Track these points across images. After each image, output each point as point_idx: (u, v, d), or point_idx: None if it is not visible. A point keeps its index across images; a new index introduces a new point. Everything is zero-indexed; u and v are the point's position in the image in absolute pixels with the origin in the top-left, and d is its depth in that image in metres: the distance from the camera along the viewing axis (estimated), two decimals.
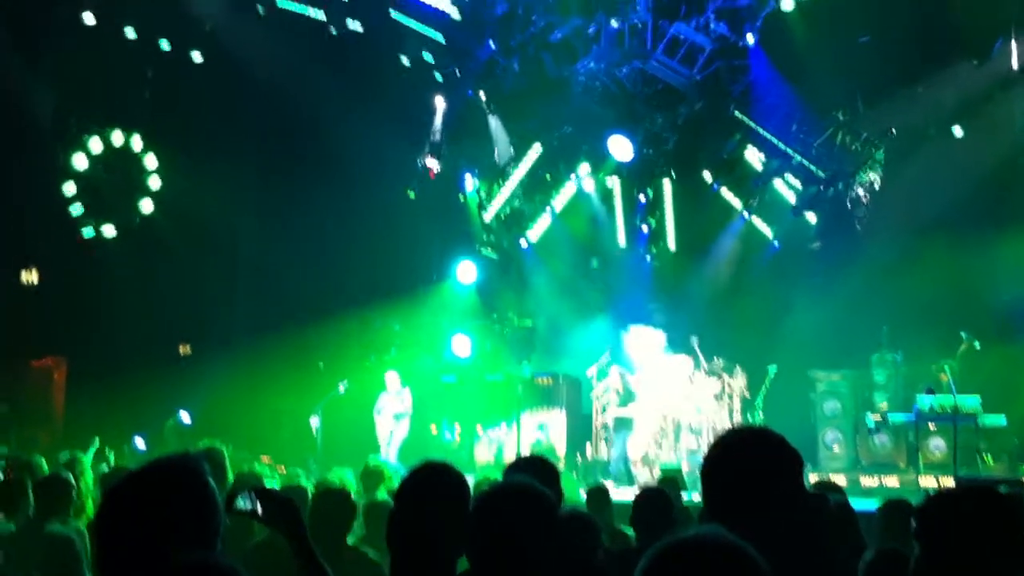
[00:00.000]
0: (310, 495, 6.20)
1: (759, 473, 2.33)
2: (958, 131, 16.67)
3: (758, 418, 15.17)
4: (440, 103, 18.01)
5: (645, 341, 15.85)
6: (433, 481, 2.98)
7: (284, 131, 17.09)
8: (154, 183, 17.18)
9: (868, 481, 14.07)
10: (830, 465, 15.08)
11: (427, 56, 17.05)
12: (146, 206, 17.06)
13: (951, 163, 16.36)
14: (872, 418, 13.52)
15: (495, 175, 18.08)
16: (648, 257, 18.59)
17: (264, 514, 3.02)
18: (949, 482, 11.08)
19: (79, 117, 16.59)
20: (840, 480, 14.13)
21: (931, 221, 15.70)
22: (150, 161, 17.15)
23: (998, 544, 2.44)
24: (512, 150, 18.09)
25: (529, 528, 2.59)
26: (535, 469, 3.88)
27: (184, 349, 17.95)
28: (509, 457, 15.37)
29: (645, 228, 18.34)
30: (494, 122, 18.18)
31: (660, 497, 5.85)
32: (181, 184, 16.65)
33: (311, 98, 16.47)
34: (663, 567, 1.75)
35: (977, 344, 14.24)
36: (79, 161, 16.44)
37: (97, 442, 10.19)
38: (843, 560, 4.68)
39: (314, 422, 14.10)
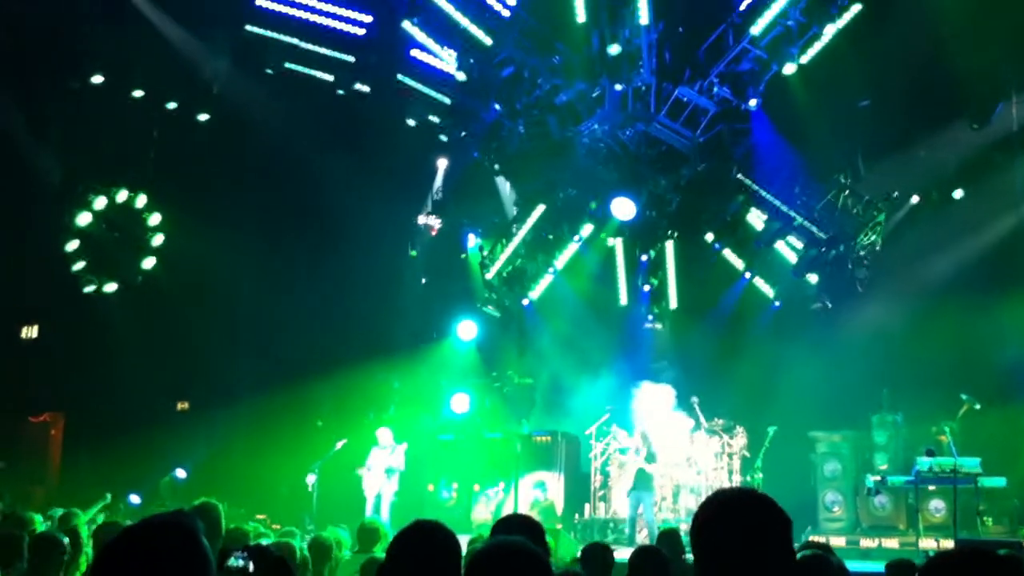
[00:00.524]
0: (299, 553, 6.19)
1: (748, 533, 2.32)
2: (959, 194, 16.79)
3: (757, 479, 15.07)
4: (442, 163, 18.18)
5: (655, 398, 15.81)
6: (424, 540, 2.95)
7: (287, 190, 17.26)
8: (157, 241, 17.28)
9: (868, 543, 13.96)
10: (830, 527, 14.96)
11: (432, 118, 17.24)
12: (148, 263, 17.15)
13: (952, 226, 16.47)
14: (872, 479, 13.42)
15: (498, 234, 18.16)
16: (650, 317, 18.60)
17: (256, 573, 3.03)
18: (949, 544, 11.00)
19: (85, 176, 16.76)
20: (840, 542, 14.11)
21: (932, 283, 15.79)
22: (154, 219, 17.27)
23: None
24: (515, 209, 18.20)
25: None
26: (522, 528, 3.87)
27: (182, 406, 17.95)
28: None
29: (647, 288, 18.37)
30: (501, 181, 18.34)
31: (656, 555, 5.80)
32: (184, 242, 16.77)
33: (315, 158, 16.65)
34: None
35: (978, 405, 14.18)
36: (83, 219, 16.57)
37: (108, 498, 10.20)
38: None
39: (311, 480, 14.02)
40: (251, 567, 3.04)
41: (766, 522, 2.34)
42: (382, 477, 14.54)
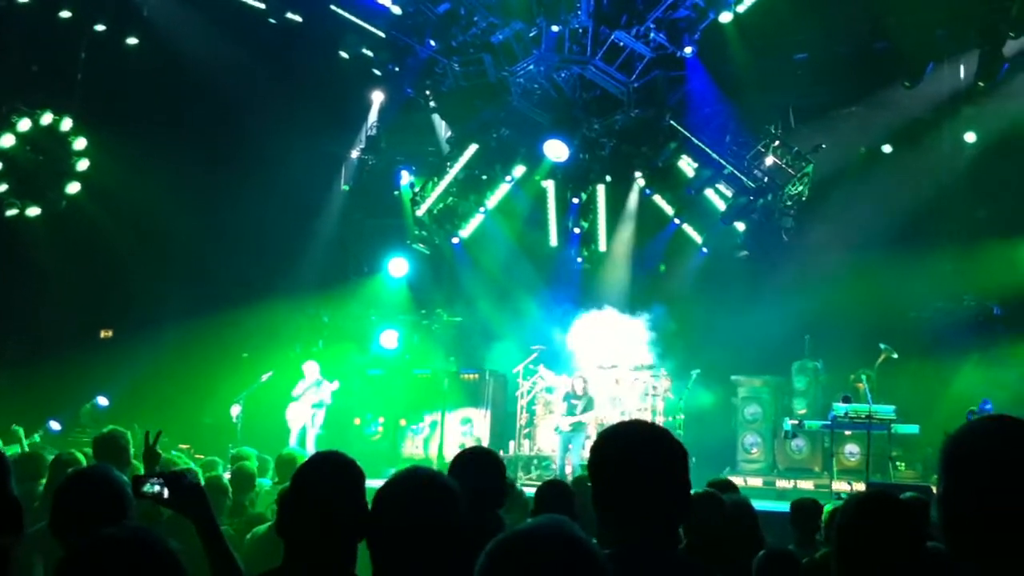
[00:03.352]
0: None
1: (640, 465, 2.37)
2: (887, 148, 17.10)
3: (679, 420, 15.38)
4: (377, 98, 17.99)
5: (597, 329, 16.04)
6: (327, 469, 2.96)
7: (218, 119, 16.91)
8: (82, 166, 16.85)
9: (784, 484, 14.37)
10: (748, 468, 15.36)
11: (366, 51, 17.01)
12: (73, 188, 16.72)
13: (879, 181, 16.79)
14: (790, 423, 13.77)
15: (431, 172, 18.09)
16: (579, 259, 18.74)
17: (172, 498, 3.04)
18: (861, 487, 11.33)
19: (8, 98, 16.24)
20: (757, 482, 14.51)
21: (856, 236, 16.10)
22: (79, 143, 16.81)
23: (894, 546, 2.53)
24: (449, 148, 18.14)
25: (427, 515, 2.59)
26: (480, 461, 3.91)
27: (106, 333, 17.66)
28: (434, 451, 15.41)
29: (577, 230, 18.49)
30: (437, 119, 18.24)
31: (561, 488, 5.83)
32: (111, 168, 16.36)
33: (247, 87, 16.34)
34: (498, 558, 1.76)
35: (895, 355, 14.58)
36: (6, 140, 16.06)
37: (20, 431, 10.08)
38: (738, 556, 4.79)
39: (235, 411, 13.96)
40: (166, 493, 3.05)
41: (659, 453, 2.39)
42: (307, 410, 14.54)
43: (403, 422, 16.35)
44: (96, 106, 16.51)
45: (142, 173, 15.90)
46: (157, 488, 3.05)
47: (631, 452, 2.40)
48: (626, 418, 15.12)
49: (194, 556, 2.98)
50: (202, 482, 6.10)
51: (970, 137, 16.64)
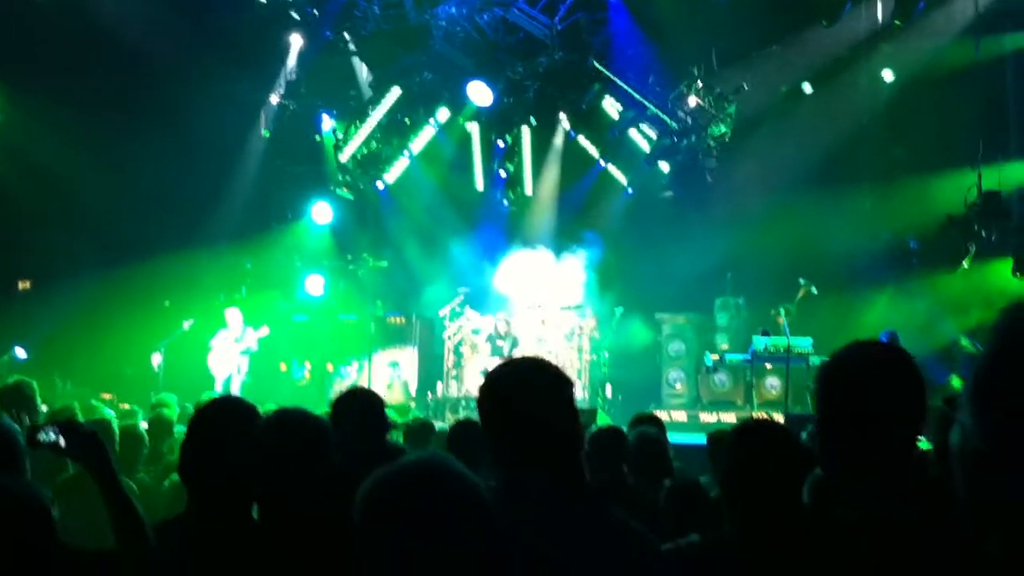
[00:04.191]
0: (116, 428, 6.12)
1: (521, 395, 2.40)
2: (807, 88, 17.27)
3: (604, 358, 15.57)
4: (296, 42, 17.71)
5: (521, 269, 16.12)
6: (219, 414, 2.99)
7: (131, 65, 16.47)
8: None
9: (707, 417, 14.61)
10: (672, 402, 15.65)
11: None
12: None
13: (799, 121, 16.99)
14: (711, 357, 14.00)
15: (353, 116, 17.90)
16: (505, 202, 18.76)
17: (67, 447, 3.00)
18: (780, 418, 11.58)
19: None
20: (681, 416, 14.76)
21: (777, 175, 16.31)
22: None
23: (780, 471, 2.59)
24: (371, 92, 17.94)
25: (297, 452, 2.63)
26: (359, 400, 3.91)
27: (23, 284, 17.29)
28: None
29: (503, 173, 18.48)
30: (358, 62, 18.01)
31: (473, 426, 5.88)
32: (19, 118, 15.94)
33: (160, 34, 15.94)
34: (370, 491, 1.78)
35: (815, 290, 14.86)
36: None
37: None
38: (647, 488, 4.86)
39: (156, 359, 13.80)
40: (62, 441, 3.02)
41: (545, 385, 2.42)
42: (233, 358, 14.43)
43: (330, 367, 16.32)
44: (2, 56, 16.00)
45: (54, 124, 15.46)
46: (53, 436, 3.01)
47: (510, 389, 2.43)
48: (552, 357, 15.42)
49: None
50: (117, 431, 6.08)
51: (888, 75, 16.86)
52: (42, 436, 2.97)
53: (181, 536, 2.84)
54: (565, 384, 2.46)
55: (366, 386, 14.92)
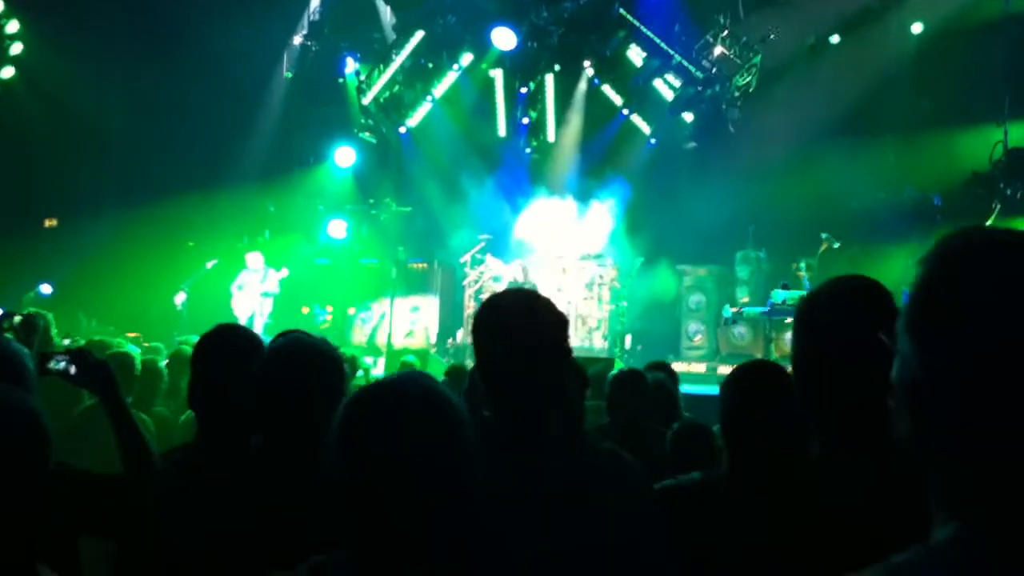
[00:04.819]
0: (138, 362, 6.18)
1: (510, 331, 2.38)
2: (835, 39, 17.10)
3: (623, 308, 15.61)
4: None
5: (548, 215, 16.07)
6: (218, 343, 3.02)
7: (153, 5, 16.40)
8: (16, 50, 16.36)
9: (725, 369, 14.60)
10: (691, 354, 15.70)
11: None
12: (7, 73, 16.26)
13: (825, 72, 16.84)
14: (730, 310, 14.02)
15: (376, 59, 17.79)
16: (528, 149, 18.70)
17: (77, 375, 3.06)
18: None
19: None
20: (700, 368, 14.83)
21: (801, 128, 16.17)
22: (12, 27, 16.29)
23: (773, 411, 2.60)
24: (395, 34, 17.83)
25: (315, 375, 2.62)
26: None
27: (50, 222, 17.37)
28: (382, 339, 15.52)
29: (526, 120, 18.40)
30: (381, 4, 17.87)
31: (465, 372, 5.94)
32: (45, 54, 15.90)
33: None
34: (353, 404, 1.81)
35: (836, 244, 14.83)
36: None
37: None
38: (657, 429, 4.91)
39: (179, 299, 13.89)
40: (72, 369, 3.07)
41: (537, 323, 2.39)
42: (255, 300, 14.51)
43: (352, 311, 16.41)
44: None
45: (78, 60, 15.46)
46: (63, 364, 3.08)
47: (503, 318, 2.41)
48: (572, 307, 15.48)
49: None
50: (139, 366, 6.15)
51: (916, 28, 16.69)
52: (52, 364, 3.05)
53: (185, 461, 2.90)
54: (552, 316, 2.42)
55: (388, 330, 15.10)
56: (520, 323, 2.36)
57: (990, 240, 1.20)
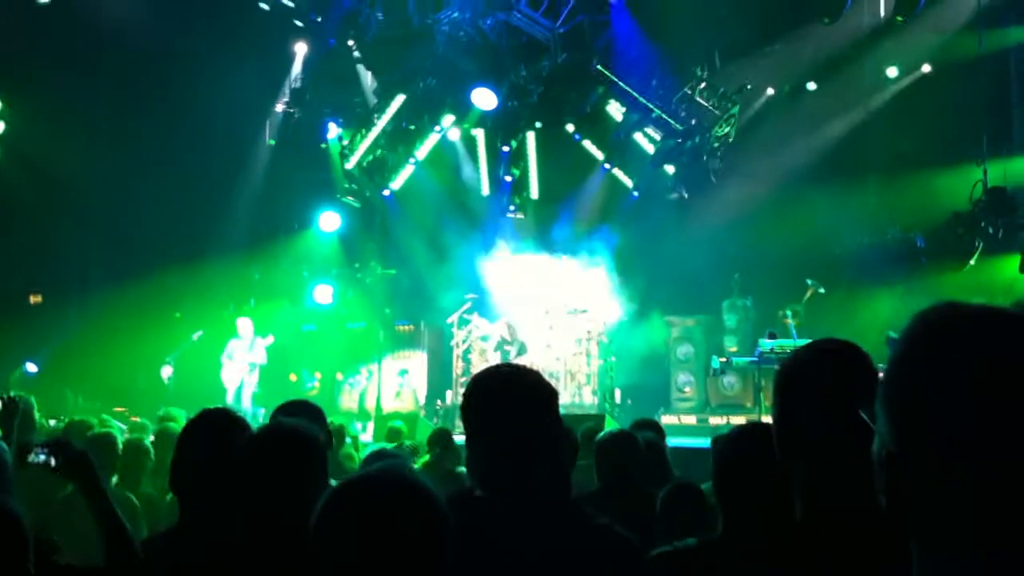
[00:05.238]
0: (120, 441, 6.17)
1: (499, 407, 2.40)
2: (811, 86, 17.29)
3: (611, 363, 15.58)
4: (301, 49, 17.77)
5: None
6: (203, 427, 3.04)
7: (137, 75, 16.55)
8: None
9: (716, 420, 14.62)
10: (681, 406, 15.66)
11: (287, 1, 16.72)
12: None
13: (803, 119, 17.00)
14: (719, 360, 14.03)
15: (359, 123, 17.93)
16: (512, 207, 18.78)
17: (58, 466, 3.06)
18: None
19: None
20: (691, 420, 14.78)
21: (782, 174, 16.33)
22: None
23: (767, 475, 2.60)
24: (376, 99, 17.98)
25: (298, 464, 2.61)
26: (302, 411, 3.88)
27: (35, 299, 17.36)
28: (370, 403, 15.47)
29: (509, 178, 18.51)
30: (362, 69, 18.05)
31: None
32: (28, 127, 15.99)
33: (165, 41, 16.00)
34: (337, 502, 1.81)
35: (822, 290, 14.86)
36: None
37: None
38: (648, 491, 4.87)
39: (166, 372, 13.88)
40: (52, 462, 3.07)
41: (524, 394, 2.41)
42: (243, 368, 14.48)
43: (340, 376, 16.38)
44: (10, 64, 16.04)
45: (60, 134, 15.53)
46: (43, 457, 3.07)
47: (492, 395, 2.43)
48: (560, 363, 15.46)
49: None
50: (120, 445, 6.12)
51: (892, 71, 16.88)
52: (32, 457, 3.04)
53: (167, 549, 2.89)
54: (545, 392, 2.44)
55: (376, 393, 15.06)
56: (508, 400, 2.38)
57: (965, 317, 1.22)
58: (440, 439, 7.51)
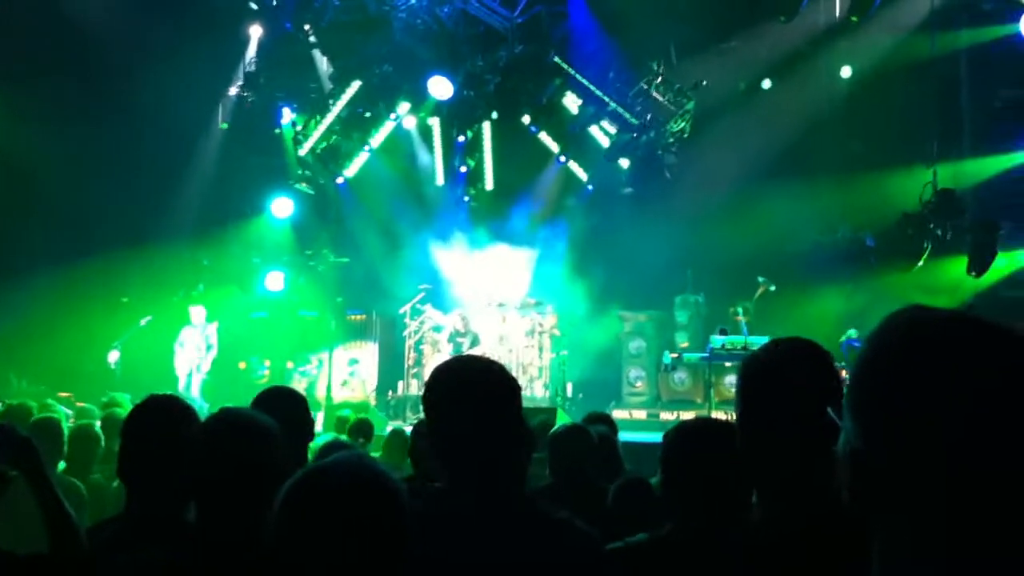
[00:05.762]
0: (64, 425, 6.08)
1: (475, 399, 2.38)
2: (767, 83, 17.40)
3: (563, 356, 15.62)
4: (255, 32, 17.54)
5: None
6: (148, 414, 3.02)
7: (86, 56, 16.20)
8: None
9: (667, 415, 14.67)
10: (632, 401, 15.72)
11: None
12: None
13: (758, 116, 17.10)
14: (670, 356, 14.12)
15: (313, 109, 17.76)
16: (466, 197, 18.73)
17: (0, 452, 3.01)
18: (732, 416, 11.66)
19: None
20: (641, 415, 14.85)
21: (736, 171, 16.41)
22: None
23: (715, 468, 2.60)
24: (331, 84, 17.81)
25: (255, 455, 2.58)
26: (283, 399, 3.84)
27: None
28: (321, 393, 15.36)
29: (464, 168, 18.45)
30: (318, 54, 17.87)
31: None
32: None
33: (117, 23, 15.71)
34: (293, 492, 1.81)
35: (773, 287, 14.99)
36: None
37: None
38: (599, 485, 4.88)
39: (113, 357, 13.68)
40: None
41: (492, 394, 2.39)
42: (194, 355, 14.32)
43: (290, 364, 16.24)
44: None
45: (6, 115, 15.21)
46: None
47: (459, 387, 2.41)
48: (513, 355, 15.47)
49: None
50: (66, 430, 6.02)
51: (846, 71, 17.04)
52: None
53: (113, 537, 2.86)
54: (511, 386, 2.43)
55: (326, 383, 14.96)
56: (473, 394, 2.36)
57: (926, 321, 1.26)
58: (361, 430, 7.52)
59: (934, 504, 1.18)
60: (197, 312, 14.46)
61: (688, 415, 14.41)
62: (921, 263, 14.66)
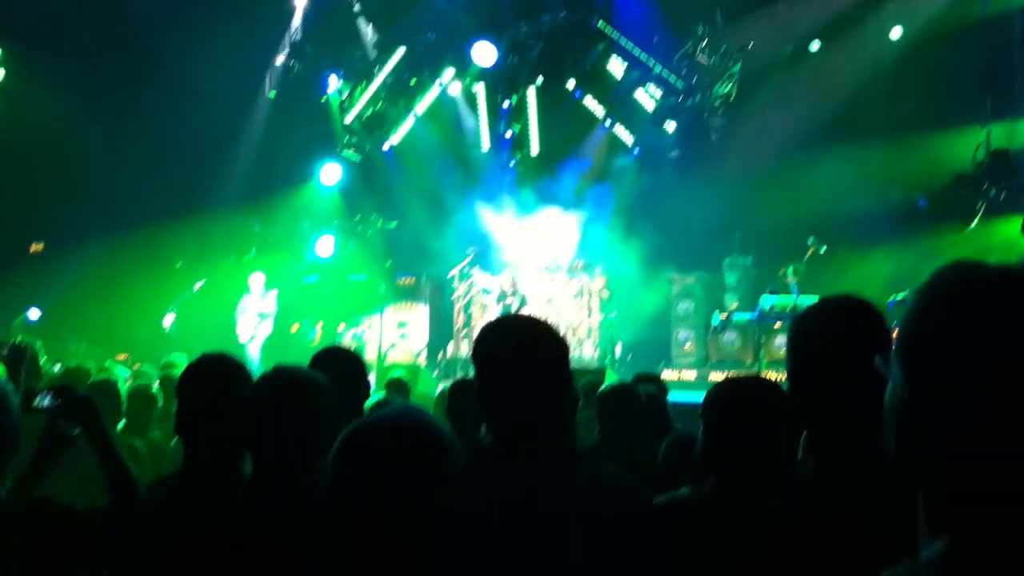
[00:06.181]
0: (123, 389, 6.16)
1: (510, 356, 2.39)
2: (815, 46, 17.20)
3: (611, 318, 15.64)
4: (300, 1, 17.63)
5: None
6: (201, 372, 3.03)
7: (133, 30, 16.38)
8: None
9: (716, 376, 14.62)
10: (682, 362, 15.71)
11: None
12: None
13: (806, 79, 16.92)
14: (719, 316, 14.09)
15: (358, 77, 17.83)
16: (511, 163, 18.75)
17: (63, 410, 3.09)
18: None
19: None
20: (691, 375, 14.85)
21: (784, 134, 16.25)
22: None
23: (762, 426, 2.62)
24: (376, 52, 17.88)
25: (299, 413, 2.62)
26: (339, 360, 3.87)
27: (36, 247, 17.30)
28: (371, 355, 15.49)
29: (508, 134, 18.46)
30: (363, 22, 17.92)
31: (470, 387, 5.90)
32: (26, 82, 15.88)
33: None
34: (346, 442, 1.84)
35: (823, 248, 14.89)
36: None
37: None
38: (648, 442, 4.90)
39: (168, 320, 13.87)
40: (57, 406, 3.11)
41: (541, 351, 2.40)
42: (255, 321, 14.46)
43: (341, 327, 16.37)
44: (8, 19, 15.88)
45: (59, 86, 15.41)
46: (47, 401, 3.11)
47: (500, 350, 2.42)
48: (561, 317, 15.51)
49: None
50: (124, 391, 6.12)
51: (895, 32, 16.80)
52: (37, 402, 3.08)
53: (170, 492, 2.90)
54: (561, 345, 2.44)
55: (377, 344, 15.08)
56: (524, 352, 2.37)
57: (978, 275, 1.27)
58: (398, 387, 7.52)
59: (972, 456, 1.19)
60: (256, 279, 14.59)
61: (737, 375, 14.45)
62: (974, 224, 14.50)
